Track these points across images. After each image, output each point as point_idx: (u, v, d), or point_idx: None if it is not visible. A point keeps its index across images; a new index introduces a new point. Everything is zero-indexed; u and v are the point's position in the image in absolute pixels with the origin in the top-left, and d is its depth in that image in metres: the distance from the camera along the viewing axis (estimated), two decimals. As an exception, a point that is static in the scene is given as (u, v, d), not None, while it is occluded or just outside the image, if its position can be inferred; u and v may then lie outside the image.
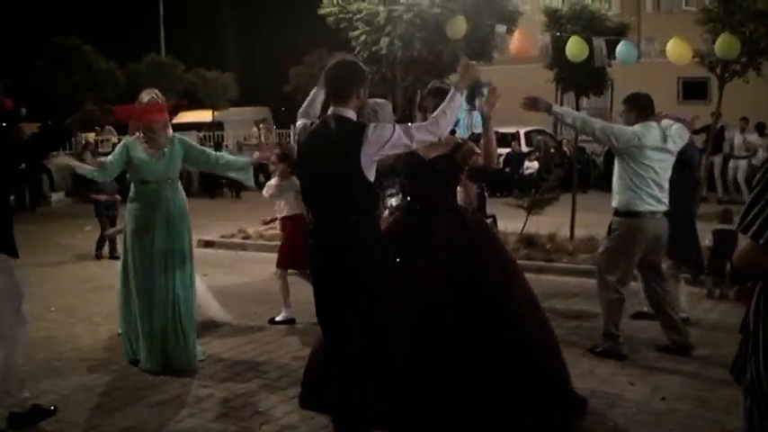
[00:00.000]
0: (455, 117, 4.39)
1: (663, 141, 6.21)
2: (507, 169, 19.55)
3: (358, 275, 4.11)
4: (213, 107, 26.10)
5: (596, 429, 4.87)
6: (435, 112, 4.30)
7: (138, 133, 6.26)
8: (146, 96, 6.18)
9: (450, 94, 4.35)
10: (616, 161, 6.33)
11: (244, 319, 7.69)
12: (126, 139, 6.34)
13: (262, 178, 21.01)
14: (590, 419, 4.99)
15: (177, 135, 6.40)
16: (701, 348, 6.41)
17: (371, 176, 4.16)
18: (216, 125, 27.10)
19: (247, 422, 5.02)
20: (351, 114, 4.22)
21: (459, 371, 4.71)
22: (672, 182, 6.39)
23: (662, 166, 6.20)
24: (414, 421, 4.64)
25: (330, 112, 4.29)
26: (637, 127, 6.17)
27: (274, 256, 11.45)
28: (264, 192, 7.75)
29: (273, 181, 7.71)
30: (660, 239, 6.32)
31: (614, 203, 6.29)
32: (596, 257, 6.43)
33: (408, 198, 5.23)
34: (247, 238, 12.66)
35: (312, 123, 4.43)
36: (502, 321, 4.81)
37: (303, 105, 4.65)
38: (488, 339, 4.77)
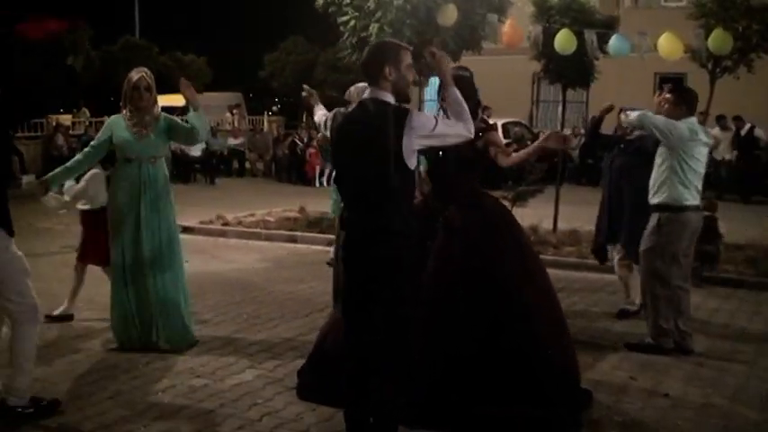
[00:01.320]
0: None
1: (706, 136, 6.38)
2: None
3: (393, 268, 3.92)
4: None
5: (604, 424, 4.80)
6: (453, 113, 4.10)
7: (125, 111, 6.20)
8: (135, 75, 6.15)
9: (449, 93, 4.11)
10: (662, 157, 6.24)
11: (229, 307, 7.53)
12: (111, 119, 6.31)
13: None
14: (596, 414, 4.93)
15: (163, 114, 6.30)
16: (696, 344, 6.37)
17: (413, 165, 3.99)
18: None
19: (247, 413, 4.87)
20: (388, 98, 4.00)
21: (471, 363, 4.62)
22: (635, 172, 6.76)
23: (704, 161, 6.35)
24: (428, 416, 4.54)
25: (366, 95, 4.11)
26: (687, 122, 6.19)
27: (255, 243, 11.48)
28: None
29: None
30: (697, 233, 6.42)
31: (659, 199, 6.22)
32: (642, 255, 6.36)
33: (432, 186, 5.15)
34: (227, 224, 12.46)
35: (347, 108, 4.29)
36: (513, 314, 4.72)
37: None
38: (501, 332, 4.68)
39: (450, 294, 4.68)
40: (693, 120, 6.31)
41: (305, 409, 4.91)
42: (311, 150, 20.27)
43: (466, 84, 5.01)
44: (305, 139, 21.43)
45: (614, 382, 5.56)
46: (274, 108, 38.61)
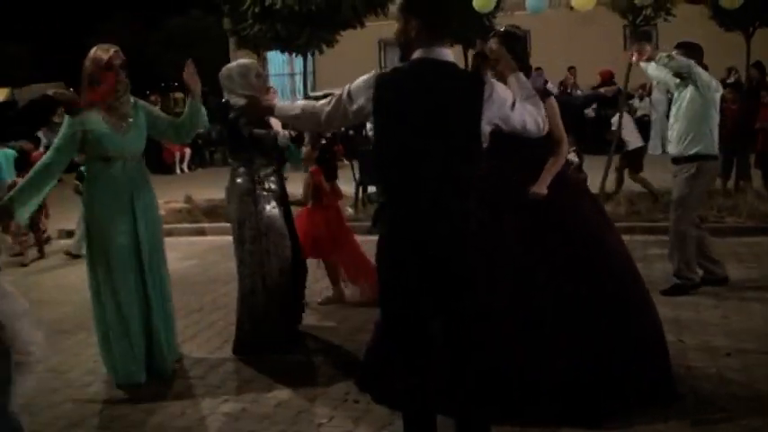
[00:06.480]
0: None
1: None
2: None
3: (465, 271, 3.32)
4: (11, 85, 23.55)
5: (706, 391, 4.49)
6: (523, 99, 3.50)
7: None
8: (105, 53, 4.92)
9: (516, 79, 3.62)
10: (691, 108, 6.28)
11: (193, 316, 6.64)
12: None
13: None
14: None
15: (139, 100, 5.20)
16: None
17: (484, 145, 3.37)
18: (12, 105, 24.46)
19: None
20: (452, 58, 3.37)
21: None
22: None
23: None
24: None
25: (421, 55, 3.29)
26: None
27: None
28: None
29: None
30: None
31: (697, 149, 6.30)
32: (678, 202, 6.51)
33: (492, 158, 4.56)
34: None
35: (395, 71, 3.38)
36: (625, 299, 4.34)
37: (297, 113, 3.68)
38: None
39: (561, 285, 4.18)
40: None
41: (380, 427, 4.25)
42: (167, 136, 19.06)
43: (521, 45, 4.50)
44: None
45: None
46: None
